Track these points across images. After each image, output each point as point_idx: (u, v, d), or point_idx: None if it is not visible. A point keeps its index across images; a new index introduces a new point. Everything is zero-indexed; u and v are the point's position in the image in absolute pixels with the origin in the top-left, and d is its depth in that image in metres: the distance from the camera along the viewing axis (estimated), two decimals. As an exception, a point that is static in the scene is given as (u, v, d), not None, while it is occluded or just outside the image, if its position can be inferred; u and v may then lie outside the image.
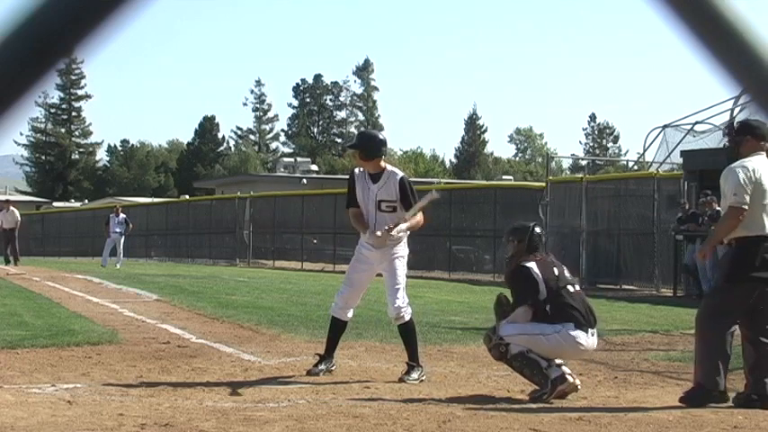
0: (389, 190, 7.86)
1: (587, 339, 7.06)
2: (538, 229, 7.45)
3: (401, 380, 7.73)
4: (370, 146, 8.05)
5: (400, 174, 8.06)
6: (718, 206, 17.52)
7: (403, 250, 8.02)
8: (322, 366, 8.03)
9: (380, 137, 8.29)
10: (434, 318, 12.83)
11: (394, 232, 7.77)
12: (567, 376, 6.95)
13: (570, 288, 7.18)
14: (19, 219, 30.64)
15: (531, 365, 6.96)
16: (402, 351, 8.13)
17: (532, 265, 7.15)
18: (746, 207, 6.67)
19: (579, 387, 7.05)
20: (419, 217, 8.03)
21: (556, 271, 7.19)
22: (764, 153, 6.99)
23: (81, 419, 6.01)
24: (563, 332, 6.94)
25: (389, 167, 8.07)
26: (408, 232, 8.01)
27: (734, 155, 7.16)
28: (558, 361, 6.99)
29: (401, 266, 7.96)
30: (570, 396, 7.02)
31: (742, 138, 7.03)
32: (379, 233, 7.79)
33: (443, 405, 6.68)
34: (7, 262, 29.91)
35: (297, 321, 12.30)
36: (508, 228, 7.75)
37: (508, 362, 7.08)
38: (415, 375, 7.78)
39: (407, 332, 8.01)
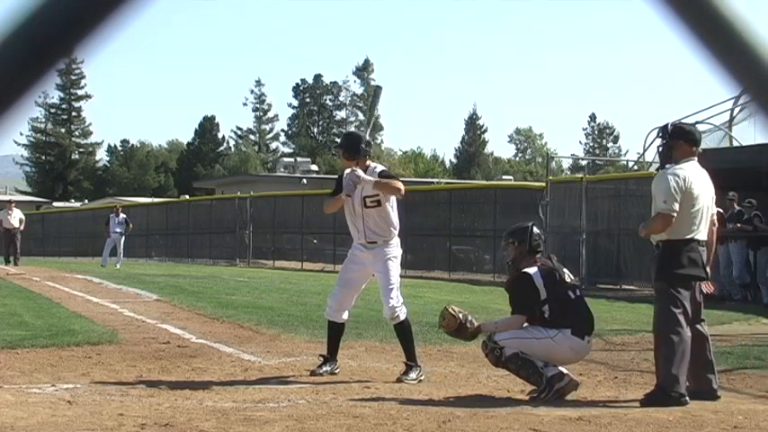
0: (369, 185, 7.97)
1: (581, 346, 7.06)
2: (537, 229, 7.42)
3: (399, 380, 7.74)
4: (354, 145, 8.15)
5: (381, 167, 8.29)
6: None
7: (395, 251, 8.07)
8: (326, 368, 8.05)
9: (364, 136, 8.36)
10: (434, 318, 12.76)
11: (359, 172, 7.87)
12: (565, 375, 6.96)
13: (571, 294, 7.17)
14: (23, 218, 30.69)
15: (526, 366, 6.96)
16: (402, 351, 8.13)
17: (534, 271, 7.14)
18: (675, 215, 6.88)
19: (578, 384, 7.05)
20: (397, 183, 8.11)
21: (557, 275, 7.17)
22: (696, 159, 7.20)
23: (81, 419, 6.01)
24: (558, 337, 6.94)
25: (372, 164, 8.19)
26: (376, 188, 7.98)
27: (665, 157, 7.31)
28: None
29: (394, 267, 8.01)
30: (570, 396, 7.03)
31: (675, 142, 7.21)
32: (348, 170, 7.93)
33: (443, 405, 6.68)
34: (7, 262, 29.91)
35: (297, 321, 12.30)
36: (507, 230, 7.67)
37: (504, 365, 7.08)
38: (413, 375, 7.80)
39: (404, 332, 8.03)
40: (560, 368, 6.99)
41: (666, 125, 7.55)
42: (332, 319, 8.20)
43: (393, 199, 8.13)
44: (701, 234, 7.03)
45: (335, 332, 8.22)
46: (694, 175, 7.07)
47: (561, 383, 6.92)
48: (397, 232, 8.15)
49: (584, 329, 7.08)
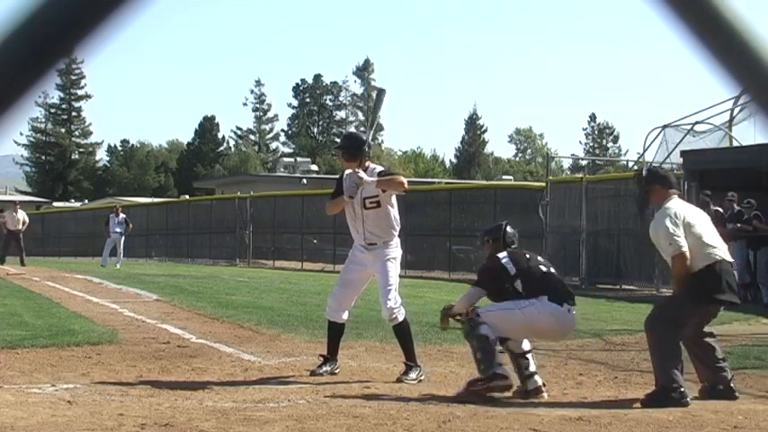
0: (371, 185, 7.94)
1: (563, 314, 7.10)
2: (510, 228, 7.61)
3: (399, 380, 7.75)
4: (354, 147, 8.14)
5: (381, 167, 8.31)
6: (716, 207, 17.63)
7: (395, 252, 8.08)
8: (326, 368, 8.05)
9: (363, 138, 8.34)
10: (434, 318, 12.72)
11: (361, 174, 7.87)
12: (508, 380, 6.96)
13: (543, 268, 7.32)
14: (26, 221, 31.07)
15: (486, 351, 6.98)
16: (402, 351, 8.14)
17: (503, 254, 7.34)
18: (686, 250, 6.90)
19: (512, 386, 7.01)
20: (400, 178, 8.19)
21: (527, 255, 7.40)
22: (676, 196, 7.27)
23: (81, 419, 6.01)
24: (537, 305, 7.04)
25: (372, 165, 8.17)
26: (378, 186, 7.98)
27: (643, 203, 7.44)
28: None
29: (393, 268, 8.02)
30: (570, 396, 7.03)
31: (651, 186, 7.30)
32: (348, 171, 7.95)
33: (443, 405, 6.68)
34: (2, 261, 30.09)
35: (297, 321, 12.30)
36: (482, 231, 8.01)
37: (471, 338, 7.09)
38: (413, 375, 7.80)
39: (402, 332, 8.04)
40: (510, 375, 6.98)
41: (641, 170, 7.60)
42: (332, 319, 8.21)
43: (393, 199, 8.12)
44: (725, 254, 7.08)
45: (335, 332, 8.22)
46: (682, 207, 7.21)
47: (500, 384, 6.92)
48: (397, 233, 8.15)
49: (562, 298, 7.14)
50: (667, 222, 6.96)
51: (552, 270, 7.41)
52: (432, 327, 11.64)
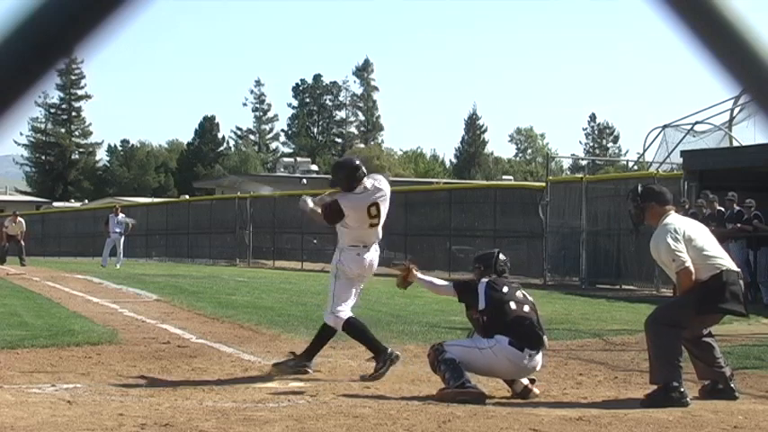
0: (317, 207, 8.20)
1: (520, 359, 7.02)
2: (502, 256, 7.60)
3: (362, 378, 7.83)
4: (344, 179, 8.09)
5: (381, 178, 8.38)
6: (719, 206, 17.63)
7: (333, 265, 8.31)
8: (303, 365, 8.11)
9: (353, 163, 8.28)
10: (434, 318, 12.80)
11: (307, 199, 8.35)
12: (481, 392, 6.98)
13: (513, 305, 7.18)
14: (24, 230, 32.05)
15: (454, 370, 6.99)
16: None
17: (484, 281, 7.30)
18: (689, 265, 6.89)
19: (485, 398, 7.00)
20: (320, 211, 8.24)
21: (505, 288, 7.27)
22: (673, 212, 7.24)
23: (81, 419, 6.01)
24: (496, 347, 7.00)
25: (366, 181, 8.10)
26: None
27: (638, 219, 7.42)
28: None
29: (331, 278, 8.29)
30: (570, 396, 7.03)
31: (647, 204, 7.28)
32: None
33: (443, 405, 6.68)
34: (3, 261, 30.37)
35: (297, 321, 12.30)
36: (474, 255, 8.12)
37: (438, 363, 7.09)
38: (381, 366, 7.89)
39: (354, 333, 8.15)
40: (480, 389, 7.00)
41: (636, 187, 7.57)
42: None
43: (352, 217, 8.04)
44: (730, 263, 7.09)
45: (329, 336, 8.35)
46: (681, 221, 7.20)
47: (471, 391, 6.91)
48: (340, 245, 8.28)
49: (525, 343, 7.05)
50: (668, 239, 6.94)
51: (527, 309, 7.24)
52: (432, 327, 11.66)
